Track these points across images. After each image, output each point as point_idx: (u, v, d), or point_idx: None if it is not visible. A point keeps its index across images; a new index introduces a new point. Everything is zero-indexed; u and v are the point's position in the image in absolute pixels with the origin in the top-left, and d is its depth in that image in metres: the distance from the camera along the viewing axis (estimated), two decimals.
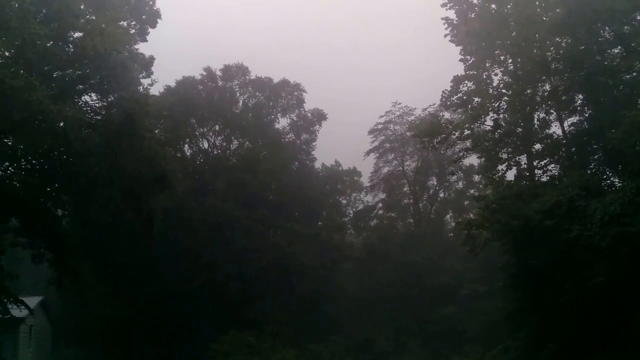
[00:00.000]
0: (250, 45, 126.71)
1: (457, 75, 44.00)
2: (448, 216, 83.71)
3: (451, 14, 44.43)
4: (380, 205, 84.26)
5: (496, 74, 44.08)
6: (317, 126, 77.31)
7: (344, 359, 64.29)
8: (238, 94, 76.28)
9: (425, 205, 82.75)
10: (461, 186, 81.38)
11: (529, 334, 40.33)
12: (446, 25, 44.61)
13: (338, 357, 64.09)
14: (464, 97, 43.94)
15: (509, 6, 42.05)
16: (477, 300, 64.06)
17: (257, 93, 76.60)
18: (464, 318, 64.14)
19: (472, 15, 43.58)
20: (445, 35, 44.79)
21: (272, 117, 77.63)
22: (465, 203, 78.33)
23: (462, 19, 43.95)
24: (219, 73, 74.55)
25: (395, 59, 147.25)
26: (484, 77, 44.02)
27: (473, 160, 60.98)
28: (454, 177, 77.64)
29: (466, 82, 43.99)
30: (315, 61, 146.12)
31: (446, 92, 44.38)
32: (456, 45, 44.44)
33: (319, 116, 77.05)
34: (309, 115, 77.18)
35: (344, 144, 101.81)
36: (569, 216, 33.67)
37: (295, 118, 77.63)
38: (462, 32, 43.75)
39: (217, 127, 75.25)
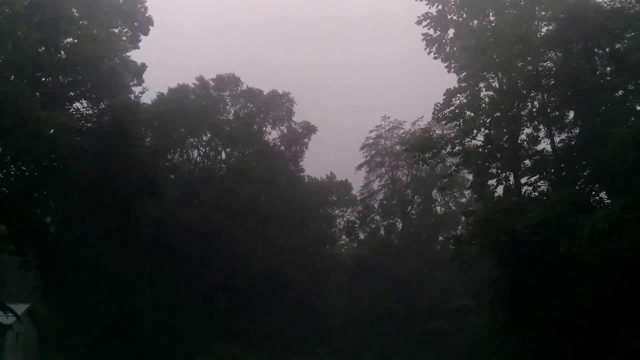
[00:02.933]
0: (242, 51, 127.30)
1: (450, 88, 44.09)
2: (439, 236, 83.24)
3: (428, 30, 45.18)
4: (370, 218, 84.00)
5: (480, 90, 44.32)
6: (307, 139, 77.60)
7: None
8: (229, 105, 76.43)
9: (416, 218, 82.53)
10: (456, 201, 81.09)
11: (516, 350, 40.16)
12: (425, 43, 45.02)
13: None
14: (456, 111, 43.92)
15: (495, 23, 42.37)
16: (465, 315, 63.91)
17: (248, 104, 76.75)
18: (452, 333, 63.94)
19: (452, 31, 44.64)
20: (429, 53, 45.30)
21: (264, 128, 77.86)
22: (462, 219, 77.88)
23: (441, 34, 44.74)
24: (211, 83, 74.72)
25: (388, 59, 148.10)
26: (476, 89, 44.14)
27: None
28: (452, 192, 77.52)
29: (458, 95, 44.03)
30: (310, 64, 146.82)
31: (438, 105, 44.36)
32: (442, 61, 44.90)
33: (309, 128, 77.30)
34: (299, 129, 77.47)
35: (336, 154, 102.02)
36: (557, 232, 33.63)
37: (285, 130, 77.88)
38: (442, 46, 44.71)
39: (207, 137, 75.29)
